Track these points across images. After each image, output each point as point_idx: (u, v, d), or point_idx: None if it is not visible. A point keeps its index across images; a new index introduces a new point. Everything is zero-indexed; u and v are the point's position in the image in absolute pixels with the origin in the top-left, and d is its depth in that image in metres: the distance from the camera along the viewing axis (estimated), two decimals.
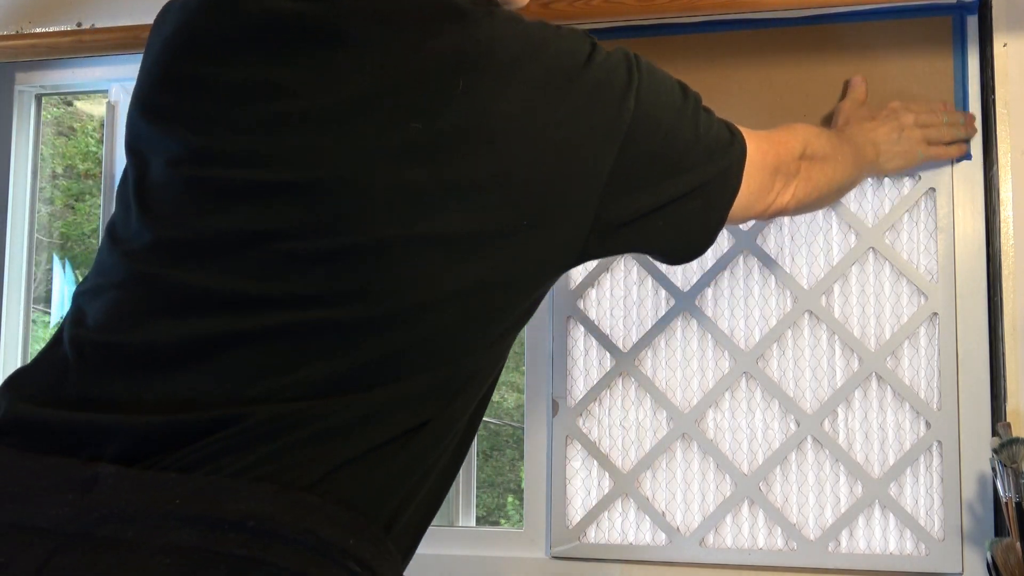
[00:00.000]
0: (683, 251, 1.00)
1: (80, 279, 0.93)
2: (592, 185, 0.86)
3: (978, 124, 1.28)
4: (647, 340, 1.35)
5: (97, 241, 1.56)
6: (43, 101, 1.65)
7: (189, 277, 0.79)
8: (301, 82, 0.81)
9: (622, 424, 1.35)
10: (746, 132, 0.99)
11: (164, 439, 0.74)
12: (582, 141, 0.85)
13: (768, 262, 1.33)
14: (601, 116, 0.86)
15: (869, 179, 1.31)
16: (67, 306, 0.87)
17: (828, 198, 1.14)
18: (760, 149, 1.00)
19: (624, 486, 1.34)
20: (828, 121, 1.32)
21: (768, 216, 1.07)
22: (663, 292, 1.36)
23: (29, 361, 0.86)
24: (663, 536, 1.32)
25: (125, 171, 0.90)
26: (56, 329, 0.87)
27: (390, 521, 0.81)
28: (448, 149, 0.80)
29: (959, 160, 1.28)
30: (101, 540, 0.70)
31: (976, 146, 1.28)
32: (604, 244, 0.90)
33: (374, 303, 0.78)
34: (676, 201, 0.92)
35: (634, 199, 0.89)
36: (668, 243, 0.97)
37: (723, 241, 1.34)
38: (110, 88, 1.57)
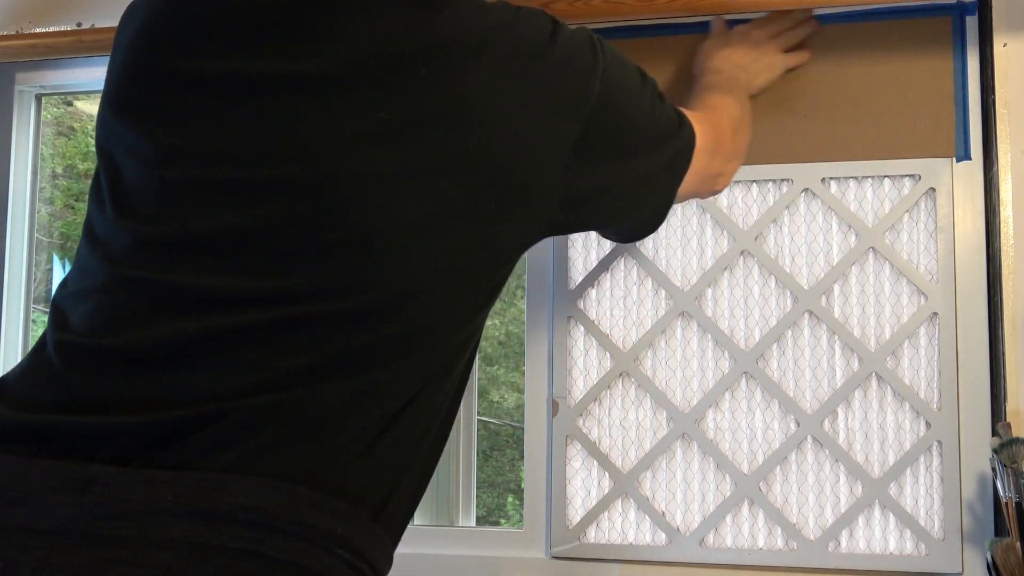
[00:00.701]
0: (637, 230, 1.08)
1: None
2: (558, 161, 0.88)
3: (977, 123, 1.28)
4: (647, 340, 1.35)
5: None
6: (43, 101, 1.65)
7: (172, 278, 0.80)
8: (265, 74, 0.81)
9: (622, 424, 1.35)
10: (691, 115, 1.04)
11: (155, 438, 0.75)
12: (548, 120, 0.87)
13: (768, 262, 1.33)
14: (567, 95, 0.88)
15: (869, 179, 1.31)
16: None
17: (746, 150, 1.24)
18: (704, 133, 1.06)
19: (624, 486, 1.34)
20: (828, 120, 1.32)
21: (711, 195, 1.19)
22: (663, 292, 1.36)
23: (14, 368, 0.86)
24: (663, 536, 1.32)
25: (97, 170, 0.90)
26: (40, 335, 0.87)
27: (379, 506, 0.82)
28: (415, 135, 0.81)
29: (959, 160, 1.28)
30: (99, 538, 0.71)
31: (976, 146, 1.28)
32: (569, 218, 0.94)
33: (354, 294, 0.79)
34: (632, 182, 0.98)
35: (596, 175, 0.92)
36: (624, 222, 1.04)
37: (723, 241, 1.34)
38: None
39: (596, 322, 1.37)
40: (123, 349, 0.79)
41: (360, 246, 0.80)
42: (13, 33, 1.52)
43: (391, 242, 0.80)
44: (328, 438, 0.78)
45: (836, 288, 1.31)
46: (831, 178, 1.32)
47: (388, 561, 0.85)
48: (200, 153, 0.82)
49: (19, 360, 1.59)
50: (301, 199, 0.79)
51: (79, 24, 1.50)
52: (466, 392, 1.47)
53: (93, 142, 0.90)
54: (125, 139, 0.86)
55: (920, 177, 1.29)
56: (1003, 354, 1.22)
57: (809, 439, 1.30)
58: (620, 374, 1.36)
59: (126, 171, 0.85)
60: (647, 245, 1.36)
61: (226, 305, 0.78)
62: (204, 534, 0.71)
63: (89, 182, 0.89)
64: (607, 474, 1.35)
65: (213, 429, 0.75)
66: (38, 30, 1.51)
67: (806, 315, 1.31)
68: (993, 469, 1.14)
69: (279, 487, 0.74)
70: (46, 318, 0.88)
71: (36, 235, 1.63)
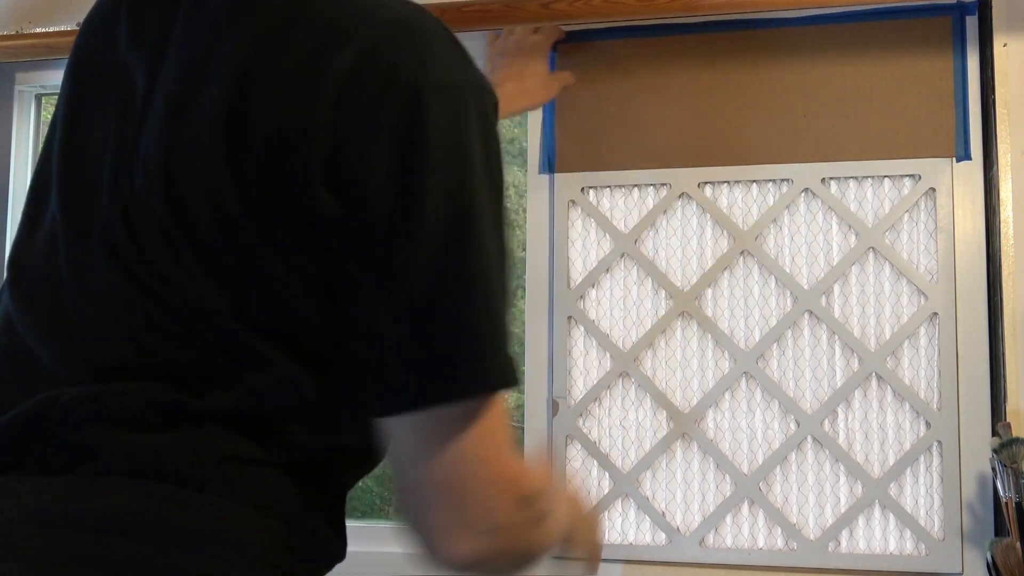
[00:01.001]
0: (401, 369, 0.70)
1: None
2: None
3: (977, 123, 1.28)
4: (647, 340, 1.35)
5: None
6: (43, 101, 1.65)
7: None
8: (141, 64, 0.80)
9: (622, 424, 1.35)
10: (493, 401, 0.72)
11: (20, 442, 0.72)
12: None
13: (768, 262, 1.33)
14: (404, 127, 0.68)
15: (869, 179, 1.31)
16: None
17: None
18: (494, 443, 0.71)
19: (624, 486, 1.34)
20: (828, 120, 1.32)
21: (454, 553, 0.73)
22: (663, 292, 1.36)
23: None
24: (663, 536, 1.32)
25: None
26: None
27: (271, 501, 0.73)
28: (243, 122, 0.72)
29: (959, 160, 1.28)
30: None
31: (976, 146, 1.28)
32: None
33: (184, 289, 0.72)
34: (423, 260, 0.68)
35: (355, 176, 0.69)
36: (401, 316, 0.69)
37: (723, 241, 1.34)
38: None
39: (596, 322, 1.37)
40: (8, 349, 0.78)
41: (192, 237, 0.72)
42: (13, 33, 1.52)
43: (226, 238, 0.71)
44: (198, 436, 0.71)
45: (836, 288, 1.31)
46: (831, 178, 1.32)
47: (307, 560, 0.76)
48: (81, 151, 0.81)
49: None
50: (150, 190, 0.75)
51: (79, 24, 1.49)
52: None
53: None
54: (57, 138, 0.86)
55: (920, 177, 1.29)
56: (1003, 354, 1.22)
57: (809, 439, 1.30)
58: (620, 374, 1.36)
59: (44, 170, 0.85)
60: (647, 245, 1.36)
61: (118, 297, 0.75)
62: (48, 543, 0.67)
63: None
64: (607, 474, 1.35)
65: (75, 429, 0.71)
66: (38, 30, 1.51)
67: (806, 315, 1.31)
68: (993, 469, 1.14)
69: (136, 487, 0.69)
70: None
71: None
